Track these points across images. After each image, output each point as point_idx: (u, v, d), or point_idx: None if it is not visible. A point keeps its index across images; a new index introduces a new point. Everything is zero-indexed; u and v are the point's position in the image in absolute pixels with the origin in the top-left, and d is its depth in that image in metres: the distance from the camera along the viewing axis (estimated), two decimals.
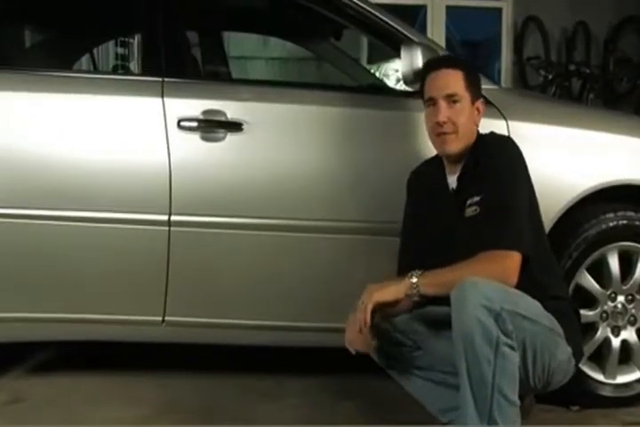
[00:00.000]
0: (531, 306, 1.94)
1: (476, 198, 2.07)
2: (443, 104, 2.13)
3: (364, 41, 6.10)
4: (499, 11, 6.95)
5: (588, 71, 6.16)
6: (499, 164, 2.06)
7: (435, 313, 2.13)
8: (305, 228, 2.48)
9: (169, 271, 2.48)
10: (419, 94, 2.27)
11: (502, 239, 1.97)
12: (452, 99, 2.13)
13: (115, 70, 5.13)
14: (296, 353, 2.85)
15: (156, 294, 2.49)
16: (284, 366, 2.87)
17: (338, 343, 2.11)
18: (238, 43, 6.51)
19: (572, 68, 6.24)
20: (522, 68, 6.82)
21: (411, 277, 1.97)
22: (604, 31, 6.81)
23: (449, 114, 2.12)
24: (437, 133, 2.14)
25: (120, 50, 5.81)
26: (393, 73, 5.45)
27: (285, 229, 2.48)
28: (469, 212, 2.08)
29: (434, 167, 2.25)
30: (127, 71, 3.71)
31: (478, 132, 2.20)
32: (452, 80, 2.14)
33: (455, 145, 2.13)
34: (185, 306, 2.52)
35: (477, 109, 2.18)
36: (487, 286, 1.85)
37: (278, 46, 6.57)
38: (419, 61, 2.33)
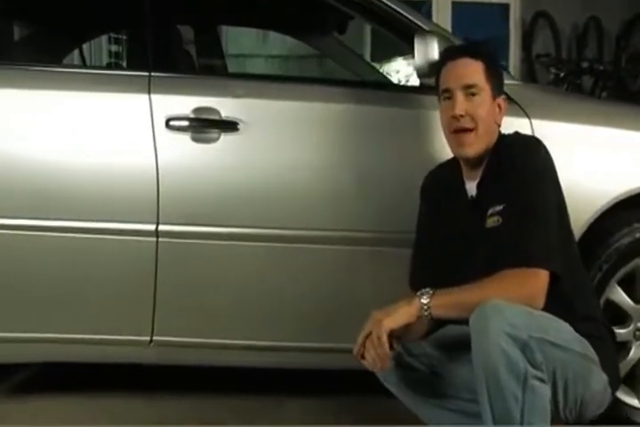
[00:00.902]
0: (561, 330, 1.73)
1: (499, 207, 1.84)
2: (460, 96, 1.90)
3: (368, 36, 5.90)
4: (506, 6, 6.78)
5: (601, 68, 5.94)
6: (524, 168, 1.83)
7: (452, 334, 1.91)
8: (307, 238, 2.27)
9: (157, 287, 2.27)
10: (433, 90, 2.04)
11: (528, 255, 1.75)
12: (470, 90, 1.90)
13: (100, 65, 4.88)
14: (296, 371, 2.61)
15: (143, 312, 2.29)
16: (283, 385, 2.67)
17: (339, 364, 2.02)
18: (236, 40, 6.41)
19: (585, 65, 6.03)
20: (530, 66, 6.62)
21: (421, 297, 1.75)
22: (617, 27, 6.60)
23: (467, 106, 1.89)
24: (454, 130, 1.91)
25: (113, 47, 5.59)
26: (402, 69, 5.22)
27: (286, 240, 2.27)
28: (491, 222, 1.86)
29: (450, 171, 2.02)
30: (111, 66, 3.47)
31: (500, 132, 1.97)
32: (472, 70, 1.92)
33: (474, 147, 1.90)
34: (174, 325, 2.31)
35: (499, 106, 1.95)
36: (511, 310, 1.63)
37: (278, 43, 6.49)
38: (434, 53, 2.12)
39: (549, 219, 1.81)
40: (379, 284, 2.23)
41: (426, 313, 1.73)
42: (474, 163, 1.94)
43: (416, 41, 2.15)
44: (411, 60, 2.27)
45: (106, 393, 2.57)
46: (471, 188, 1.95)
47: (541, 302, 1.73)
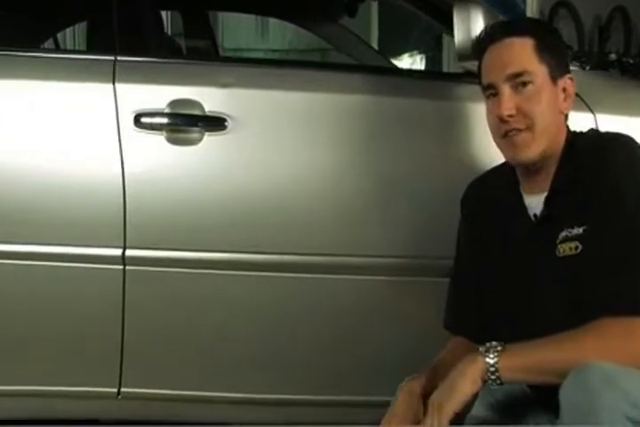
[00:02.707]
0: None
1: (578, 230, 1.42)
2: (506, 90, 1.48)
3: (374, 23, 5.52)
4: None
5: (631, 61, 5.50)
6: (617, 178, 1.39)
7: (506, 391, 1.47)
8: (314, 266, 1.85)
9: (124, 326, 1.85)
10: (476, 76, 1.59)
11: (632, 298, 1.34)
12: (519, 80, 1.47)
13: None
14: None
15: (109, 359, 1.88)
16: None
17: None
18: (233, 33, 6.20)
19: (613, 57, 5.58)
20: None
21: (486, 355, 1.34)
22: None
23: (517, 101, 1.47)
24: (504, 134, 1.49)
25: None
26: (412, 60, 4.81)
27: (286, 268, 1.84)
28: (566, 249, 1.43)
29: (503, 180, 1.58)
30: (66, 48, 2.98)
31: (568, 127, 1.53)
32: (518, 52, 1.49)
33: (533, 148, 1.47)
34: (146, 374, 1.90)
35: (564, 90, 1.51)
36: (629, 380, 1.21)
37: (278, 36, 6.19)
38: (478, 25, 1.68)
39: None
40: (408, 322, 1.84)
41: (493, 377, 1.34)
42: (535, 170, 1.49)
43: (455, 11, 1.72)
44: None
45: None
46: (534, 203, 1.50)
47: None
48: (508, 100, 1.46)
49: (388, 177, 1.85)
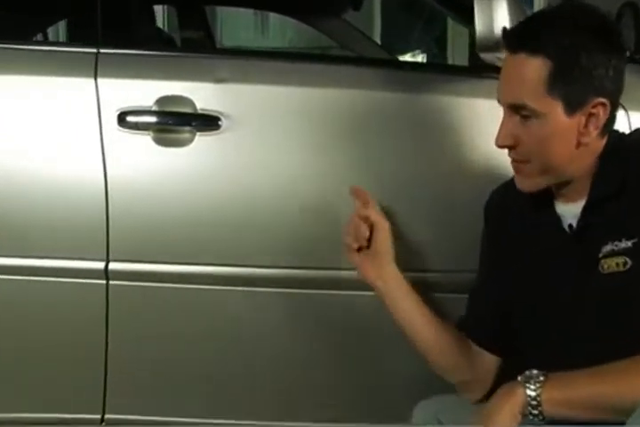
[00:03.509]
0: None
1: (626, 244, 1.24)
2: (506, 117, 1.29)
3: (378, 18, 5.35)
4: None
5: None
6: None
7: None
8: (320, 281, 1.66)
9: (108, 348, 1.67)
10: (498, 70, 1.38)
11: None
12: (520, 112, 1.27)
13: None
14: None
15: (92, 383, 1.70)
16: None
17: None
18: (232, 31, 6.04)
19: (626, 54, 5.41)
20: None
21: (526, 386, 1.19)
22: None
23: (518, 132, 1.27)
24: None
25: None
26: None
27: (286, 283, 1.66)
28: (611, 265, 1.26)
29: None
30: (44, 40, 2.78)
31: (613, 132, 1.32)
32: (523, 79, 1.25)
33: (535, 182, 1.31)
34: (132, 399, 1.72)
35: (590, 115, 1.26)
36: None
37: (278, 34, 6.05)
38: (501, 13, 1.48)
39: None
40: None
41: (535, 412, 1.18)
42: (566, 181, 1.32)
43: None
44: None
45: None
46: (569, 212, 1.33)
47: None
48: (506, 130, 1.27)
49: (399, 181, 1.67)
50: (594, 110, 1.25)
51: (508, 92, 1.27)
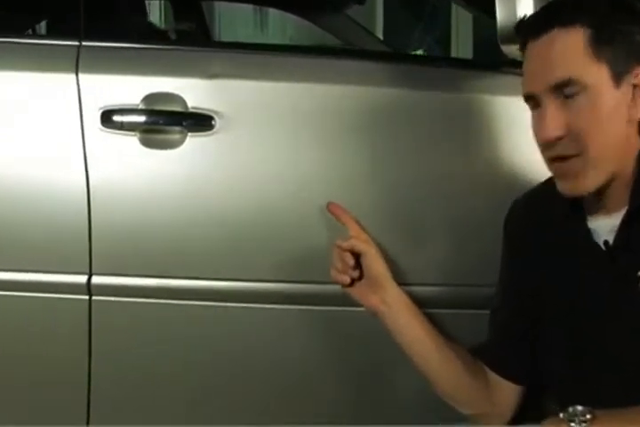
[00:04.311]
0: None
1: None
2: (550, 105, 1.14)
3: (380, 13, 5.23)
4: None
5: None
6: None
7: None
8: (323, 297, 1.51)
9: (91, 368, 1.54)
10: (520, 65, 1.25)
11: None
12: (565, 91, 1.13)
13: None
14: None
15: (74, 402, 1.58)
16: None
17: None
18: (230, 28, 5.95)
19: None
20: None
21: (570, 425, 1.05)
22: None
23: (565, 119, 1.13)
24: (550, 159, 1.17)
25: None
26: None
27: (288, 298, 1.52)
28: None
29: (559, 197, 1.23)
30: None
31: None
32: (563, 52, 1.13)
33: (587, 180, 1.14)
34: (114, 416, 1.60)
35: (635, 87, 1.14)
36: None
37: (278, 31, 5.92)
38: (525, 2, 1.34)
39: None
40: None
41: None
42: (601, 191, 1.17)
43: None
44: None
45: None
46: (603, 227, 1.18)
47: None
48: (553, 118, 1.12)
49: (407, 185, 1.52)
50: (636, 81, 1.13)
51: (547, 73, 1.13)
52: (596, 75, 1.12)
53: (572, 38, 1.12)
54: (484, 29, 4.00)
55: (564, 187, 1.16)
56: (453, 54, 4.65)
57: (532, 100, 1.17)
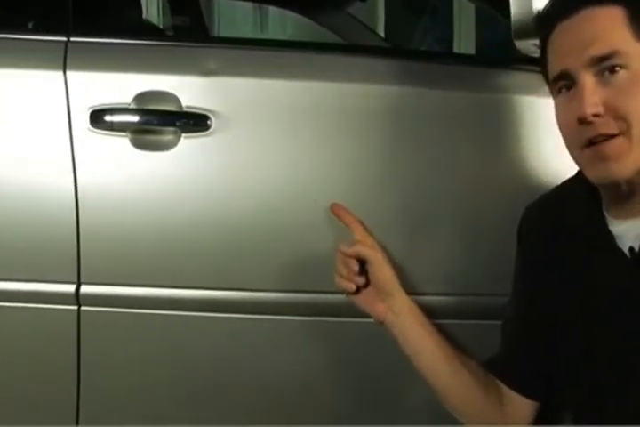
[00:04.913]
0: None
1: None
2: (588, 80, 1.06)
3: (381, 10, 5.15)
4: None
5: None
6: None
7: None
8: (325, 307, 1.43)
9: (80, 381, 1.47)
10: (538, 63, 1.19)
11: None
12: (606, 64, 1.06)
13: None
14: None
15: (63, 415, 1.51)
16: None
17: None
18: (230, 24, 5.80)
19: None
20: None
21: None
22: None
23: (604, 96, 1.05)
24: (586, 142, 1.07)
25: None
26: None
27: (287, 309, 1.44)
28: None
29: (577, 200, 1.18)
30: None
31: None
32: (603, 26, 1.07)
33: (628, 162, 1.06)
34: None
35: None
36: None
37: (278, 29, 5.70)
38: None
39: None
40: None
41: None
42: (630, 190, 1.09)
43: None
44: None
45: None
46: (627, 232, 1.10)
47: None
48: (593, 94, 1.04)
49: (416, 188, 1.44)
50: None
51: (587, 47, 1.06)
52: (637, 52, 1.06)
53: (612, 15, 1.07)
54: (488, 26, 3.95)
55: (600, 171, 1.07)
56: (455, 51, 4.59)
57: (563, 79, 1.09)
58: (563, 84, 1.09)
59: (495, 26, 1.35)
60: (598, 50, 1.05)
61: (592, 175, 1.09)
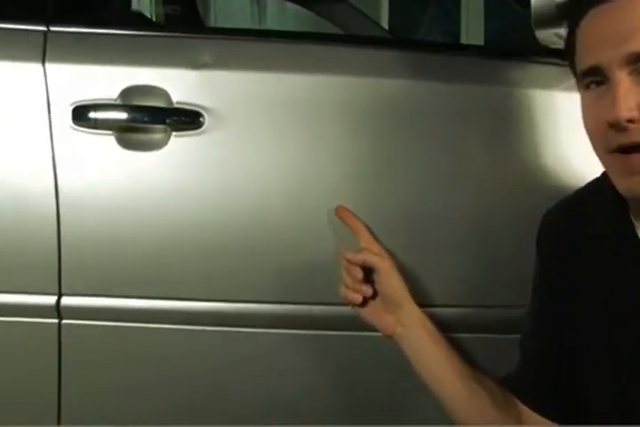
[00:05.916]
0: None
1: None
2: (624, 79, 0.94)
3: (385, 1, 5.07)
4: None
5: None
6: None
7: None
8: (325, 319, 1.34)
9: (61, 402, 1.37)
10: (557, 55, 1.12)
11: None
12: None
13: None
14: None
15: None
16: None
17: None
18: (227, 14, 5.70)
19: None
20: None
21: None
22: None
23: (638, 100, 0.94)
24: (616, 148, 0.97)
25: None
26: None
27: (284, 321, 1.35)
28: None
29: (602, 205, 1.08)
30: None
31: None
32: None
33: None
34: None
35: None
36: None
37: (276, 22, 5.67)
38: None
39: None
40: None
41: None
42: None
43: None
44: None
45: None
46: None
47: None
48: (628, 96, 0.93)
49: (423, 189, 1.34)
50: None
51: (626, 40, 0.94)
52: None
53: None
54: (497, 17, 3.86)
55: (630, 185, 0.97)
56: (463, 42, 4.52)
57: (593, 74, 0.97)
58: (590, 80, 0.98)
59: (506, 14, 1.25)
60: (634, 45, 0.93)
61: (621, 187, 0.98)
